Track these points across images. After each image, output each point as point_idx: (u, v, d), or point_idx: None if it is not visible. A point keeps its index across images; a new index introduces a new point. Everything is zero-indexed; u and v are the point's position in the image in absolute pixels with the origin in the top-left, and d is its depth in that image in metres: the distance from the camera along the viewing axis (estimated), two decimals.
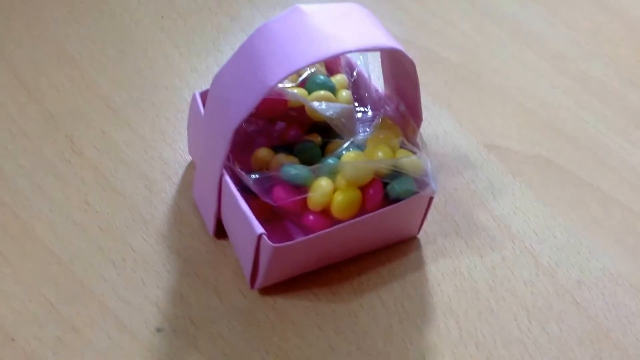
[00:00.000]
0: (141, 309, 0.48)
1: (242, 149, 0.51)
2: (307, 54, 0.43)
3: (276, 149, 0.51)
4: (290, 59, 0.42)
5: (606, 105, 0.62)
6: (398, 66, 0.50)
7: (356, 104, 0.52)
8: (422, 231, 0.53)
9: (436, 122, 0.60)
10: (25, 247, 0.50)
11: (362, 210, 0.48)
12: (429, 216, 0.52)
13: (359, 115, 0.51)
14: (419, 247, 0.52)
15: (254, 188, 0.46)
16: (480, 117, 0.61)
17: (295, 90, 0.50)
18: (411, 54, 0.62)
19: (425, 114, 0.60)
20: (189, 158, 0.55)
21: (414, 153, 0.48)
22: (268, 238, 0.45)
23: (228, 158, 0.47)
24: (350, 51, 0.44)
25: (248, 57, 0.44)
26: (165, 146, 0.56)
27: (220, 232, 0.51)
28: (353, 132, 0.50)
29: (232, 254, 0.50)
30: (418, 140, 0.50)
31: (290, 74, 0.43)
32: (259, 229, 0.45)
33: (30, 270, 0.49)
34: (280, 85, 0.50)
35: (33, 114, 0.57)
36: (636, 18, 0.70)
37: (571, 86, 0.64)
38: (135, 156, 0.55)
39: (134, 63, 0.61)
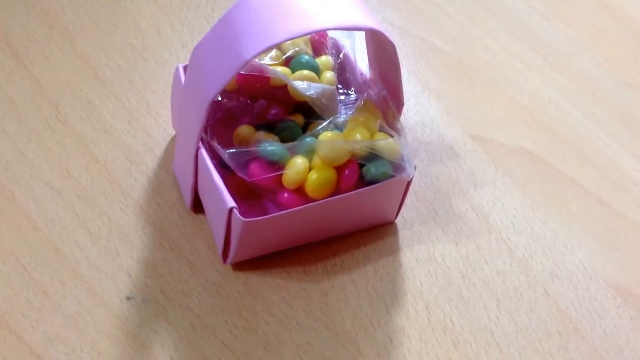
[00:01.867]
0: (113, 277, 0.49)
1: (225, 126, 0.51)
2: (285, 29, 0.43)
3: (258, 127, 0.51)
4: (268, 34, 0.43)
5: (596, 104, 0.62)
6: (380, 49, 0.50)
7: (340, 85, 0.52)
8: (399, 216, 0.53)
9: (424, 110, 0.60)
10: (2, 210, 0.51)
11: (337, 190, 0.48)
12: (408, 202, 0.52)
13: (342, 97, 0.52)
14: (395, 232, 0.52)
15: (229, 162, 0.47)
16: (468, 107, 0.61)
17: (279, 69, 0.50)
18: (405, 41, 0.63)
19: (413, 101, 0.60)
20: (172, 132, 0.55)
21: (392, 137, 0.48)
22: (244, 215, 0.45)
23: (206, 132, 0.47)
24: (329, 29, 0.44)
25: (226, 30, 0.44)
26: (150, 119, 0.56)
27: (197, 206, 0.51)
28: (334, 113, 0.50)
29: (208, 228, 0.51)
30: (398, 125, 0.50)
31: (268, 49, 0.43)
32: (231, 202, 0.45)
33: (5, 233, 0.50)
34: (263, 62, 0.50)
35: (20, 80, 0.58)
36: (636, 19, 0.70)
37: (563, 83, 0.63)
38: (119, 127, 0.56)
39: (126, 36, 0.61)
